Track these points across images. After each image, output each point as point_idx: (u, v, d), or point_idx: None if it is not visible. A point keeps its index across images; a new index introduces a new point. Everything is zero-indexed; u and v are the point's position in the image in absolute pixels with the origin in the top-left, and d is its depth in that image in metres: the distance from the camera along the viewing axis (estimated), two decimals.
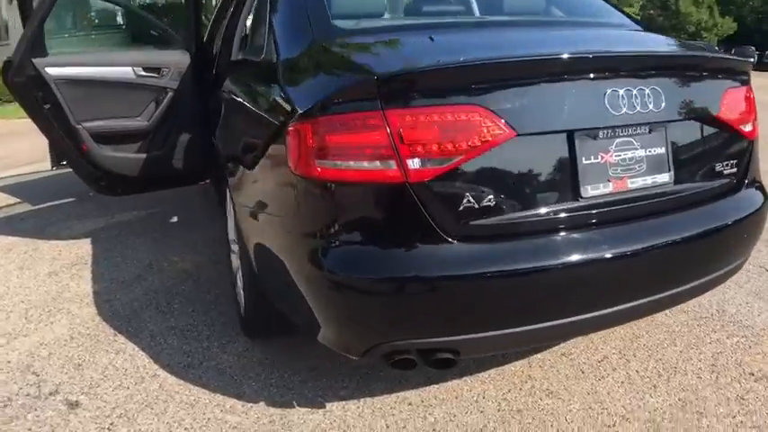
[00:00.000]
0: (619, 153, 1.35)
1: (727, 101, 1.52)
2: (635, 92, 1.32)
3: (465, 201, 1.21)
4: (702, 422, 1.60)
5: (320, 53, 1.47)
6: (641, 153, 1.38)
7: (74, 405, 1.73)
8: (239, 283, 1.97)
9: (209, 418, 1.64)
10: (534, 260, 1.24)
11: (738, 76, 1.58)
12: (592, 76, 1.29)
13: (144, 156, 2.64)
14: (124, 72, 2.50)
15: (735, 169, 1.59)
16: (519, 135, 1.22)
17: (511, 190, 1.25)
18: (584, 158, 1.30)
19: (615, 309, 1.35)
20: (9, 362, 1.98)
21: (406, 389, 1.74)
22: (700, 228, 1.46)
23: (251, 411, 1.66)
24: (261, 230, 1.54)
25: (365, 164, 1.19)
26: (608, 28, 1.86)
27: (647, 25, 2.08)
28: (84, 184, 2.83)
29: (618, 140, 1.34)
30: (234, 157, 1.71)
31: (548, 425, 1.59)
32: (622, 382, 1.77)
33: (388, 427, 1.58)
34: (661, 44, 1.67)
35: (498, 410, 1.64)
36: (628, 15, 2.07)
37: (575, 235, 1.29)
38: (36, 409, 1.72)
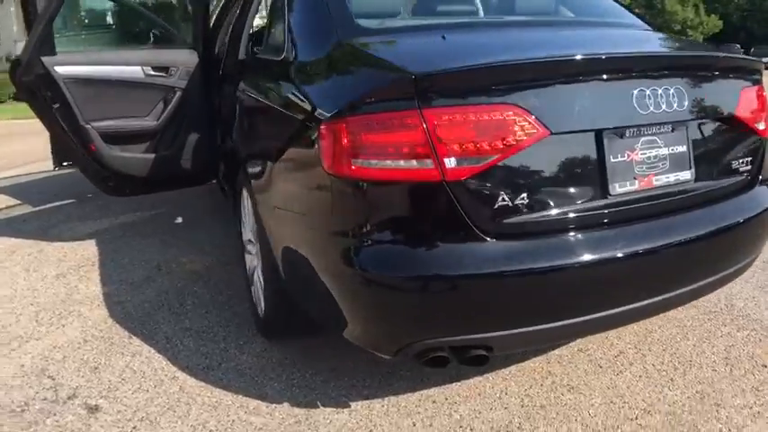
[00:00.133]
0: (644, 151, 1.37)
1: (743, 100, 1.55)
2: (660, 91, 1.35)
3: (500, 199, 1.22)
4: (721, 413, 1.64)
5: (348, 52, 1.47)
6: (665, 151, 1.40)
7: (93, 409, 1.72)
8: (258, 283, 1.97)
9: (233, 420, 1.64)
10: (567, 257, 1.26)
11: (752, 75, 1.61)
12: (622, 75, 1.31)
13: (152, 156, 2.62)
14: (133, 71, 2.48)
15: (749, 167, 1.63)
16: (552, 134, 1.23)
17: (543, 188, 1.27)
18: (611, 157, 1.32)
19: (644, 303, 1.38)
20: (23, 366, 1.96)
21: (428, 387, 1.75)
22: (719, 224, 1.49)
23: (275, 412, 1.66)
24: (289, 230, 1.54)
25: (401, 162, 1.20)
26: (623, 28, 1.89)
27: (657, 25, 2.10)
28: (84, 186, 2.81)
29: (643, 139, 1.37)
30: (257, 157, 1.70)
31: (571, 419, 1.61)
32: (640, 376, 1.80)
33: (414, 425, 1.59)
34: (680, 45, 1.70)
35: (522, 406, 1.66)
36: (638, 15, 2.10)
37: (604, 232, 1.31)
38: (55, 414, 1.70)
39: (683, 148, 1.44)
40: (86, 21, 3.33)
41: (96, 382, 1.85)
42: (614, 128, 1.32)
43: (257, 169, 1.69)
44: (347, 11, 1.61)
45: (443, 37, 1.58)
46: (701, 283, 1.50)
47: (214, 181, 3.11)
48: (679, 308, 2.18)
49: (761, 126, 1.65)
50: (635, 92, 1.32)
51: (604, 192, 1.33)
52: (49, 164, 4.71)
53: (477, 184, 1.21)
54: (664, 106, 1.36)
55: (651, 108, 1.34)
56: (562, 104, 1.27)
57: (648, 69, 1.35)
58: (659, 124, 1.38)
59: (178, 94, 2.61)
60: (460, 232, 1.21)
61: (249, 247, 2.13)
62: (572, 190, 1.30)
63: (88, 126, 2.44)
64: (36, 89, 2.35)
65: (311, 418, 1.63)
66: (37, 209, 3.68)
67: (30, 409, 1.73)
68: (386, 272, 1.24)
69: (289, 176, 1.53)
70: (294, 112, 1.49)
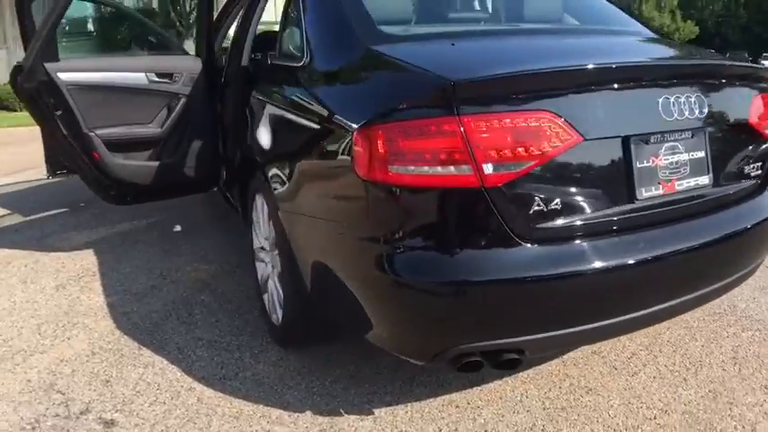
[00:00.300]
0: (667, 157, 1.41)
1: (754, 106, 1.61)
2: (683, 98, 1.40)
3: (535, 204, 1.24)
4: (734, 411, 1.68)
5: (378, 59, 1.47)
6: (685, 157, 1.44)
7: (109, 424, 1.68)
8: (274, 291, 1.95)
9: (256, 431, 1.62)
10: (598, 260, 1.28)
11: (762, 83, 1.67)
12: (650, 83, 1.35)
13: (156, 163, 2.58)
14: (137, 78, 2.44)
15: (759, 171, 1.68)
16: (585, 140, 1.26)
17: (575, 193, 1.30)
18: (638, 162, 1.36)
19: (668, 304, 1.41)
20: (29, 381, 1.90)
21: (449, 392, 1.76)
22: (736, 227, 1.54)
23: (299, 421, 1.65)
24: (317, 237, 1.53)
25: (439, 169, 1.21)
26: (635, 36, 1.93)
27: (662, 32, 2.16)
28: (76, 194, 2.74)
29: (666, 145, 1.41)
30: (280, 164, 1.69)
31: (593, 420, 1.64)
32: (654, 377, 1.84)
33: (440, 430, 1.60)
34: (696, 53, 1.75)
35: (544, 409, 1.68)
36: (642, 22, 2.16)
37: (632, 235, 1.35)
38: (69, 430, 1.65)
39: (701, 154, 1.48)
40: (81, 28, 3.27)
41: (109, 395, 1.80)
42: (640, 134, 1.36)
43: (280, 176, 1.67)
44: (369, 18, 1.62)
45: (452, 44, 1.61)
46: (719, 284, 1.55)
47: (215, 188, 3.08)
48: None
49: None
50: (661, 99, 1.36)
51: (632, 197, 1.36)
52: (38, 172, 4.65)
53: (515, 189, 1.23)
54: (686, 113, 1.40)
55: (675, 115, 1.38)
56: (593, 111, 1.30)
57: (674, 77, 1.39)
58: (681, 130, 1.43)
59: (182, 100, 2.57)
60: (498, 237, 1.23)
61: (262, 254, 2.11)
62: (602, 195, 1.33)
63: (91, 134, 2.39)
64: (38, 96, 2.30)
65: (335, 426, 1.62)
66: (29, 218, 3.58)
67: (41, 426, 1.68)
68: (424, 277, 1.25)
69: (318, 183, 1.53)
70: (322, 119, 1.49)
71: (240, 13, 2.75)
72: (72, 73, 2.33)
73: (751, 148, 1.64)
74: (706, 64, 1.52)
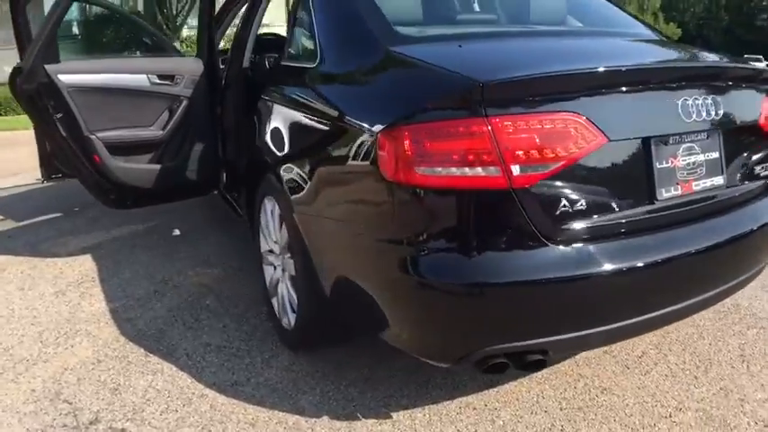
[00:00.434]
0: (684, 158, 1.43)
1: (764, 108, 1.63)
2: (701, 100, 1.41)
3: (562, 205, 1.25)
4: (746, 408, 1.71)
5: (399, 60, 1.46)
6: (701, 158, 1.46)
7: None
8: (285, 295, 1.93)
9: None
10: (623, 261, 1.29)
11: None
12: (672, 85, 1.37)
13: (157, 167, 2.54)
14: (138, 79, 2.40)
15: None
16: (610, 141, 1.27)
17: (599, 194, 1.31)
18: (658, 163, 1.37)
19: (688, 303, 1.43)
20: (33, 390, 1.86)
21: (465, 394, 1.76)
22: (748, 226, 1.56)
23: (316, 427, 1.63)
24: (338, 239, 1.52)
25: (467, 170, 1.20)
26: (645, 37, 1.95)
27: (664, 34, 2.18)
28: (71, 199, 2.68)
29: (684, 145, 1.42)
30: (296, 166, 1.67)
31: (610, 420, 1.64)
32: (666, 376, 1.85)
33: (460, 431, 1.59)
34: (709, 55, 1.78)
35: (561, 409, 1.68)
36: (648, 25, 2.18)
37: (653, 236, 1.36)
38: None
39: (716, 155, 1.50)
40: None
41: (119, 404, 1.77)
42: (660, 135, 1.38)
43: (296, 179, 1.65)
44: (385, 19, 1.62)
45: (459, 45, 1.61)
46: (734, 282, 1.58)
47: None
48: None
49: None
50: (680, 100, 1.38)
51: (652, 197, 1.37)
52: (29, 176, 4.55)
53: (542, 190, 1.23)
54: (703, 114, 1.42)
55: (694, 116, 1.40)
56: (617, 112, 1.31)
57: (694, 79, 1.41)
58: (697, 132, 1.44)
59: (184, 103, 2.54)
60: (525, 239, 1.23)
61: (271, 258, 2.09)
62: (624, 195, 1.34)
63: (92, 136, 2.34)
64: (38, 98, 2.25)
65: (354, 430, 1.61)
66: (23, 223, 3.49)
67: None
68: (451, 279, 1.24)
69: (338, 185, 1.51)
70: (343, 120, 1.47)
71: (240, 15, 2.73)
72: (73, 75, 2.28)
73: (761, 148, 1.66)
74: (723, 66, 1.54)
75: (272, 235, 2.01)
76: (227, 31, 3.90)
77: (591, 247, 1.28)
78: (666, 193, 1.39)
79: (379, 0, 1.70)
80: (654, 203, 1.38)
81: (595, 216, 1.30)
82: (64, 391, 1.84)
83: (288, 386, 1.82)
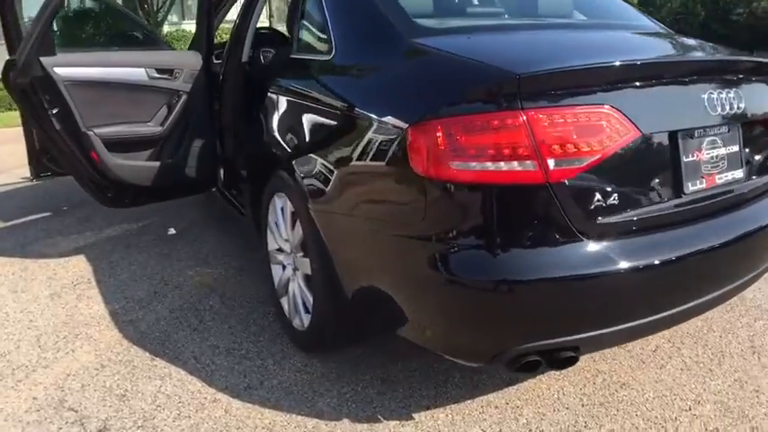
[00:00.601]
0: (708, 151, 1.42)
1: None
2: (724, 94, 1.41)
3: (596, 199, 1.23)
4: (761, 398, 1.72)
5: (423, 52, 1.42)
6: (723, 151, 1.46)
7: None
8: (297, 295, 1.87)
9: None
10: (655, 254, 1.28)
11: None
12: (701, 78, 1.36)
13: (157, 163, 2.45)
14: (136, 73, 2.31)
15: None
16: (642, 134, 1.25)
17: (631, 187, 1.29)
18: (684, 156, 1.36)
19: (711, 296, 1.44)
20: (35, 398, 1.78)
21: (485, 392, 1.73)
22: (766, 219, 1.56)
23: (337, 430, 1.59)
24: (362, 237, 1.47)
25: (503, 164, 1.17)
26: (657, 32, 1.95)
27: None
28: (58, 197, 2.58)
29: (708, 139, 1.42)
30: (314, 163, 1.61)
31: (632, 414, 1.64)
32: (682, 369, 1.86)
33: (484, 431, 1.57)
34: (726, 49, 1.78)
35: (582, 405, 1.68)
36: (650, 17, 2.17)
37: (681, 229, 1.35)
38: None
39: (736, 148, 1.50)
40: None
41: (127, 411, 1.70)
42: (687, 128, 1.37)
43: (314, 175, 1.60)
44: (403, 10, 1.57)
45: (468, 37, 1.58)
46: (753, 273, 1.59)
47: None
48: None
49: None
50: (706, 94, 1.37)
51: (679, 190, 1.37)
52: (13, 174, 4.39)
53: (578, 184, 1.21)
54: (727, 108, 1.42)
55: (718, 110, 1.39)
56: (648, 105, 1.30)
57: (719, 72, 1.41)
58: (719, 125, 1.44)
59: (183, 97, 2.46)
60: (561, 234, 1.21)
61: (280, 257, 2.03)
62: (654, 189, 1.33)
63: (89, 132, 2.25)
64: (32, 92, 2.14)
65: None
66: (9, 224, 3.36)
67: None
68: (485, 277, 1.21)
69: (362, 181, 1.46)
70: (366, 114, 1.43)
71: (239, 8, 2.65)
72: (69, 68, 2.18)
73: None
74: (746, 60, 1.54)
75: (283, 233, 1.95)
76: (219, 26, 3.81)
77: (625, 242, 1.27)
78: (692, 187, 1.38)
79: None
80: (681, 197, 1.37)
81: (628, 210, 1.28)
82: (68, 399, 1.77)
83: (303, 388, 1.78)
